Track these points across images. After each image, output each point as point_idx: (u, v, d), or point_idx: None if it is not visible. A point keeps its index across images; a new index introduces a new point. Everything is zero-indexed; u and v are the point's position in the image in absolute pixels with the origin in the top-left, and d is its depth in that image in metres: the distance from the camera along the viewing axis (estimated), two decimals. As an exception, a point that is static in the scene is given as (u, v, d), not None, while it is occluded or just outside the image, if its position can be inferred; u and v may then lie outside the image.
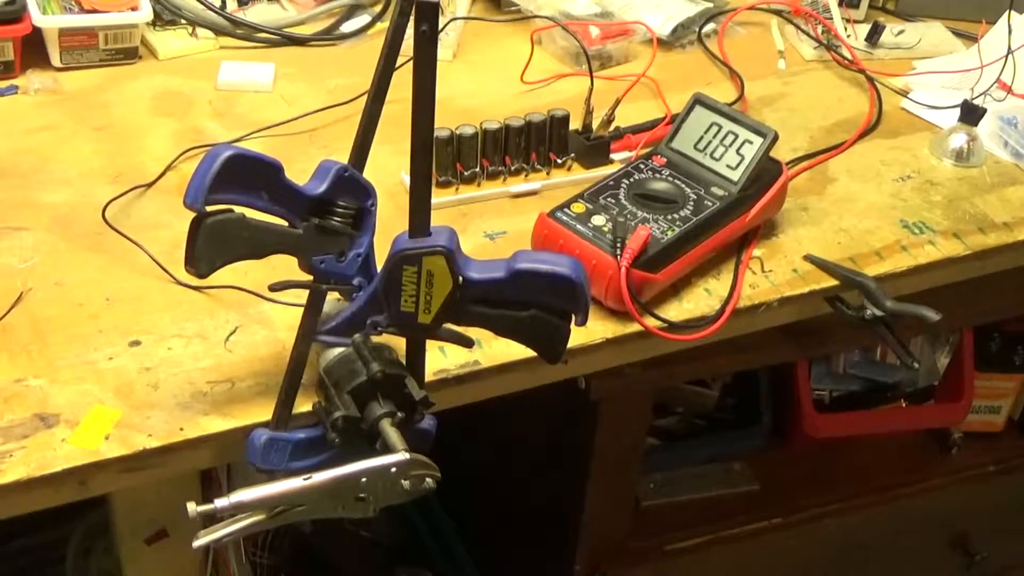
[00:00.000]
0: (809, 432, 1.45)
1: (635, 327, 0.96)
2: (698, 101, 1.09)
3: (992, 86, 1.30)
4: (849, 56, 1.37)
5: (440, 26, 0.77)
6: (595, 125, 1.14)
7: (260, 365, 0.89)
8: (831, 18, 1.42)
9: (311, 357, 0.83)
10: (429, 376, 0.87)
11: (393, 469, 0.72)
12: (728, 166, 1.05)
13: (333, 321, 0.81)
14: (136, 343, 0.90)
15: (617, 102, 1.15)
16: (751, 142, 1.05)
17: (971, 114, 1.22)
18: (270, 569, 1.33)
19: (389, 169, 1.09)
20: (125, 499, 1.10)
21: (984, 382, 1.54)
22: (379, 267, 0.79)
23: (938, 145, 1.24)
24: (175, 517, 1.14)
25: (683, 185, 1.04)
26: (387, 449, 0.75)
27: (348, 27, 1.38)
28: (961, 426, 1.55)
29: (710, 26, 1.42)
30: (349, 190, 0.81)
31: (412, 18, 0.71)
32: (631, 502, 1.32)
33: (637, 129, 1.18)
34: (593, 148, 1.13)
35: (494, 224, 1.07)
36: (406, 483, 0.73)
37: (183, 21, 1.32)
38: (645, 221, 0.99)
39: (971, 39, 1.41)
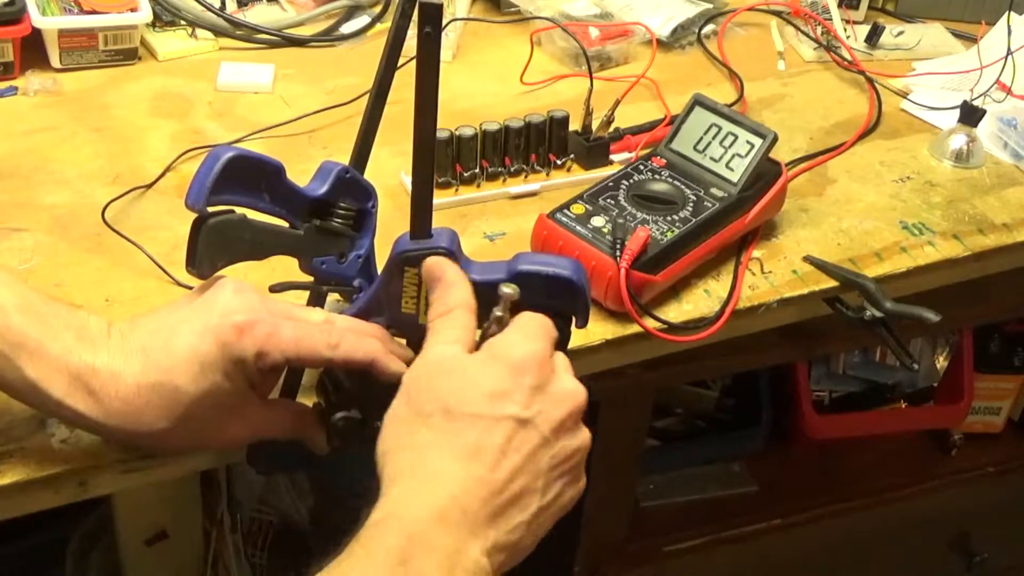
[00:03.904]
0: (809, 433, 1.45)
1: (635, 328, 0.96)
2: (697, 102, 1.09)
3: (992, 87, 1.30)
4: (849, 57, 1.37)
5: (440, 27, 0.76)
6: (595, 126, 1.14)
7: (260, 366, 0.88)
8: (830, 19, 1.42)
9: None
10: (429, 377, 0.87)
11: None
12: (728, 167, 1.05)
13: (333, 322, 0.80)
14: (136, 344, 0.90)
15: (617, 103, 1.15)
16: (751, 143, 1.05)
17: (971, 115, 1.22)
18: (269, 569, 1.33)
19: (390, 170, 1.09)
20: (125, 500, 1.10)
21: (984, 383, 1.54)
22: (380, 268, 0.79)
23: (938, 146, 1.24)
24: (175, 518, 1.14)
25: (683, 186, 1.04)
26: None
27: (348, 28, 1.38)
28: (961, 427, 1.55)
29: (710, 27, 1.42)
30: (350, 191, 0.81)
31: (414, 19, 0.71)
32: (630, 503, 1.32)
33: (637, 130, 1.18)
34: (593, 149, 1.13)
35: (494, 225, 1.07)
36: None
37: (183, 22, 1.32)
38: (645, 222, 0.99)
39: (971, 40, 1.42)
